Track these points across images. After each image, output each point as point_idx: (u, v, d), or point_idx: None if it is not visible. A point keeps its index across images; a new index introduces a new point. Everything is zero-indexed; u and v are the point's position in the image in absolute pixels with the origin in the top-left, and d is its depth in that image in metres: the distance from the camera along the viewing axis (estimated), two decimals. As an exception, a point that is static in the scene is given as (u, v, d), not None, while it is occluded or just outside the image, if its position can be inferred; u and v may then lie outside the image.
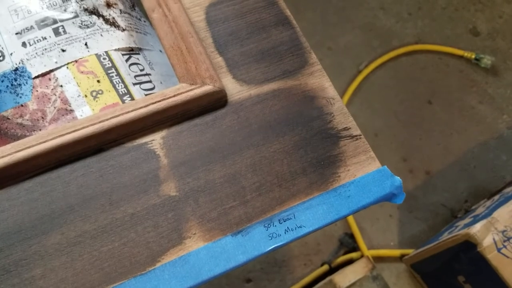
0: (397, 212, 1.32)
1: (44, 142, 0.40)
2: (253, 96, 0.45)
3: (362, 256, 1.25)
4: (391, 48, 1.53)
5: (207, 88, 0.44)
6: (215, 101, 0.44)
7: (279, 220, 0.40)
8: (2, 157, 0.40)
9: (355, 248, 1.27)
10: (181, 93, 0.44)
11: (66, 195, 0.40)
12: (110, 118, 0.42)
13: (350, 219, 1.28)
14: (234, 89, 0.45)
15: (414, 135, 1.41)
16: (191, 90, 0.44)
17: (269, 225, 0.40)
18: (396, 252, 1.27)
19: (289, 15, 0.49)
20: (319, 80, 0.46)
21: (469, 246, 0.96)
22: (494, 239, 0.93)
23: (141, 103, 0.43)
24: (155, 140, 0.42)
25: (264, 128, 0.44)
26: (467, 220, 1.12)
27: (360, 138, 0.44)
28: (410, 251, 1.24)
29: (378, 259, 1.27)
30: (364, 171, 0.42)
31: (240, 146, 0.43)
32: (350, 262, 1.23)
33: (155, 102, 0.43)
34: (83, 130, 0.41)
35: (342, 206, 0.41)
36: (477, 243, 0.94)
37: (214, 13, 0.49)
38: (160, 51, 0.58)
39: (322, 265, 1.25)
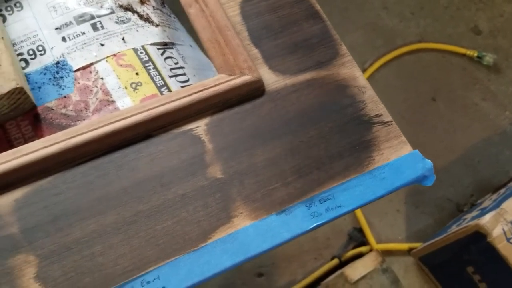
0: (404, 207, 1.35)
1: (96, 129, 0.43)
2: (289, 85, 0.47)
3: (371, 250, 1.27)
4: (394, 47, 1.56)
5: (246, 78, 0.46)
6: (253, 91, 0.47)
7: (319, 200, 0.42)
8: (56, 143, 0.42)
9: (364, 242, 1.30)
10: (220, 83, 0.46)
11: (119, 178, 0.42)
12: (157, 106, 0.44)
13: (359, 214, 1.31)
14: (270, 79, 0.48)
15: (419, 132, 1.44)
16: (230, 80, 0.46)
17: (310, 205, 0.42)
18: (404, 246, 1.29)
19: (319, 9, 0.52)
20: (350, 70, 0.49)
21: (478, 237, 0.99)
22: (503, 229, 0.96)
23: (184, 92, 0.46)
24: (200, 127, 0.45)
25: (301, 116, 0.46)
26: (474, 213, 1.14)
27: (392, 124, 0.46)
28: (418, 245, 1.26)
29: (387, 253, 1.30)
30: (397, 155, 0.45)
31: (278, 132, 0.45)
32: (359, 256, 1.25)
33: (197, 92, 0.46)
34: (132, 118, 0.43)
35: (377, 187, 0.43)
36: (487, 233, 0.97)
37: (248, 8, 0.51)
38: (191, 46, 0.61)
39: (332, 259, 1.27)
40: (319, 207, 0.42)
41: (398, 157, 0.45)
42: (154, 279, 0.39)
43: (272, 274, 1.27)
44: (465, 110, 1.47)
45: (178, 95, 0.45)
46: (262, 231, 0.41)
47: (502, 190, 1.19)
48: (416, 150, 0.45)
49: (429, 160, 0.45)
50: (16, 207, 0.40)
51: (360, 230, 1.31)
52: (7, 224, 0.40)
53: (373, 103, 0.47)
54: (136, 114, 0.44)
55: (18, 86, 0.47)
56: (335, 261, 1.26)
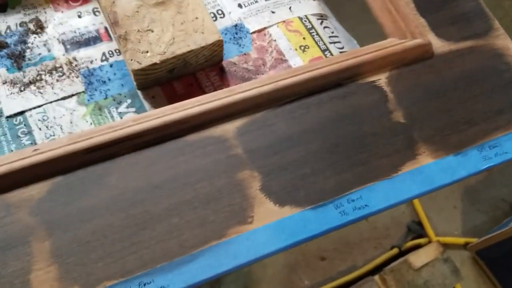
0: (460, 204, 1.41)
1: (296, 75, 0.50)
2: (453, 50, 0.54)
3: (429, 242, 1.33)
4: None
5: (418, 41, 0.53)
6: (424, 53, 0.54)
7: (489, 147, 0.49)
8: (265, 85, 0.49)
9: (422, 234, 1.36)
10: (395, 45, 0.53)
11: (319, 114, 0.49)
12: (345, 60, 0.51)
13: (418, 207, 1.37)
14: (437, 44, 0.55)
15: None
16: (403, 43, 0.53)
17: (481, 150, 0.49)
18: (461, 240, 1.35)
19: (471, -11, 0.59)
20: (504, 41, 0.56)
21: (547, 228, 1.05)
22: None
23: (365, 51, 0.53)
24: (381, 79, 0.52)
25: (465, 76, 0.53)
26: (535, 210, 1.21)
27: (542, 89, 0.53)
28: (474, 240, 1.32)
29: (443, 247, 1.35)
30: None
31: (448, 89, 0.52)
32: (417, 247, 1.31)
33: (376, 51, 0.53)
34: (325, 68, 0.51)
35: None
36: (557, 224, 1.03)
37: (413, -16, 0.58)
38: (336, 20, 0.68)
39: (391, 248, 1.33)
40: (489, 152, 0.49)
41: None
42: (358, 198, 0.46)
43: (334, 259, 1.33)
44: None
45: (360, 53, 0.53)
46: (443, 168, 0.48)
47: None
48: None
49: None
50: (238, 133, 0.47)
51: (419, 223, 1.37)
52: (233, 146, 0.47)
53: (526, 70, 0.54)
54: (328, 65, 0.51)
55: (220, 39, 0.54)
56: (395, 250, 1.32)
